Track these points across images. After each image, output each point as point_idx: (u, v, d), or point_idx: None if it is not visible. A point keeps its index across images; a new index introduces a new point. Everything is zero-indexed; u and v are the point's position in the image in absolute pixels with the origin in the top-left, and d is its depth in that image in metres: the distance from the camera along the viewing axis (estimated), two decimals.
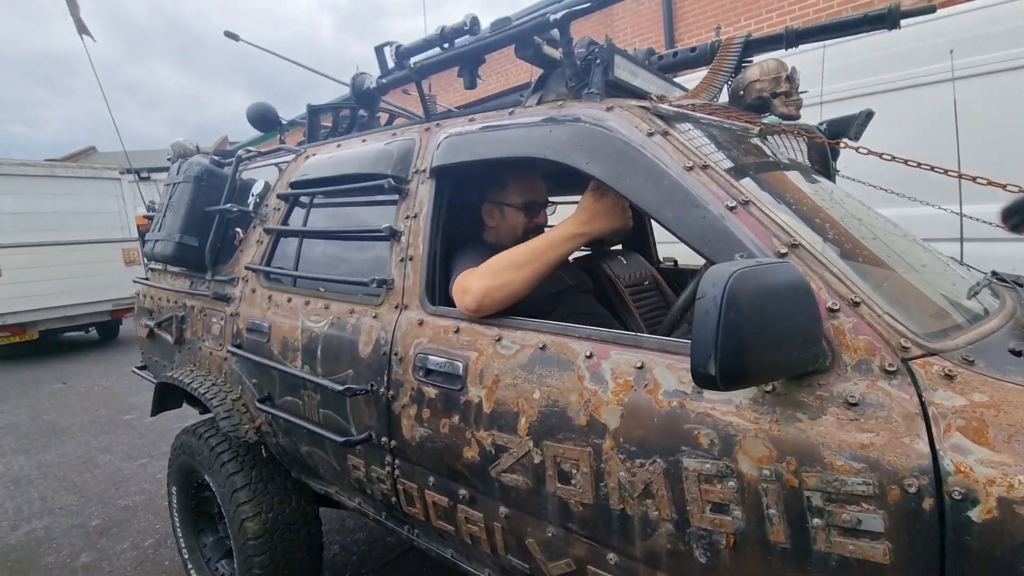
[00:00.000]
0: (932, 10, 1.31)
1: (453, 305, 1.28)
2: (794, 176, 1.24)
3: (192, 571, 2.10)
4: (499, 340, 1.12)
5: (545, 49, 1.25)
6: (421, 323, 1.28)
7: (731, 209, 0.88)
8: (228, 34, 2.55)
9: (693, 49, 1.57)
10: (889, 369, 0.72)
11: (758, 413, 0.78)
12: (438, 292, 1.32)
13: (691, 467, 0.82)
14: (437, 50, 1.42)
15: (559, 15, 1.12)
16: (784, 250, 0.83)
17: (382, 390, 1.31)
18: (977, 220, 1.65)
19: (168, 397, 2.24)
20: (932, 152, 1.90)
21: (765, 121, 1.08)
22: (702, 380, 0.65)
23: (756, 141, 1.28)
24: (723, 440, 0.79)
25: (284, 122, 2.43)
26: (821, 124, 1.63)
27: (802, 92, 1.64)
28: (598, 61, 1.16)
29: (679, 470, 0.83)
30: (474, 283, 1.16)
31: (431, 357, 1.21)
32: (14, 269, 7.82)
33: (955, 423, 0.66)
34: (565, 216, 2.12)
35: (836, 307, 0.77)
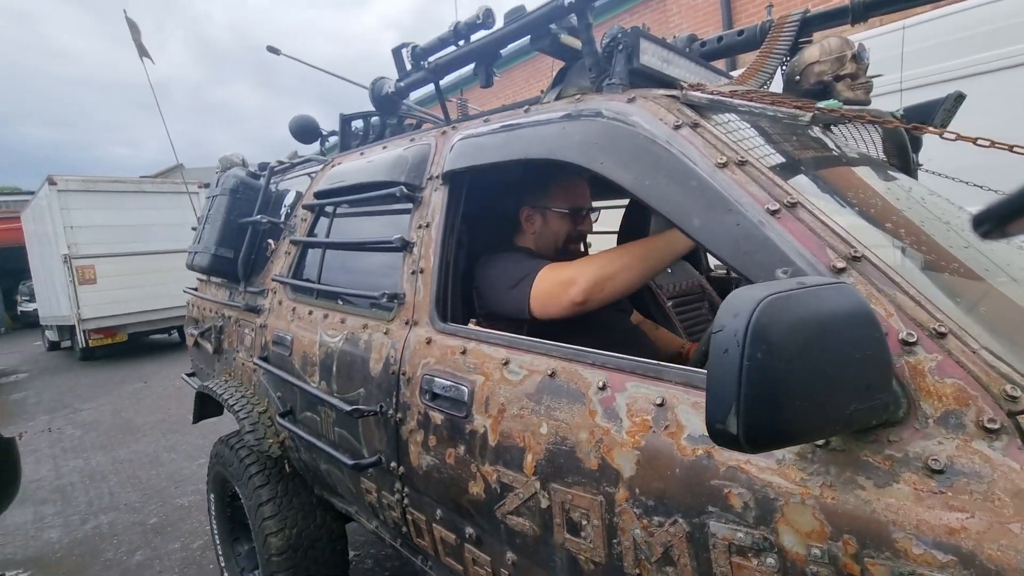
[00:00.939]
0: None
1: (464, 323, 1.18)
2: (862, 173, 1.04)
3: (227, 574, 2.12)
4: (506, 364, 1.00)
5: (563, 39, 1.13)
6: (429, 342, 1.18)
7: (773, 214, 0.72)
8: (270, 49, 2.60)
9: (740, 32, 1.39)
10: (990, 427, 0.53)
11: (807, 473, 0.61)
12: (449, 307, 1.22)
13: (720, 534, 0.66)
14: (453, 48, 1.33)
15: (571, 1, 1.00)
16: (842, 264, 0.65)
17: (391, 412, 1.23)
18: None
19: (207, 405, 2.28)
20: None
21: (820, 105, 0.90)
22: (720, 438, 0.50)
23: (816, 132, 1.09)
24: (760, 504, 0.63)
25: (324, 133, 2.44)
26: (898, 111, 1.39)
27: (875, 76, 1.41)
28: (621, 48, 1.02)
29: (705, 536, 0.68)
30: (582, 273, 1.10)
31: (437, 379, 1.11)
32: (108, 277, 8.58)
33: None
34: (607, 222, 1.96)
35: (913, 339, 0.59)
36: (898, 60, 3.10)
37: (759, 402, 0.47)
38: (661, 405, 0.76)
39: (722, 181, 0.77)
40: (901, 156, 1.48)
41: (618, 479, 0.78)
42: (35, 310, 12.10)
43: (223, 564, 2.16)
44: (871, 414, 0.53)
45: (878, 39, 3.16)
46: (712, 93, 0.92)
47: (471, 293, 1.34)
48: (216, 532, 2.19)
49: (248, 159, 2.57)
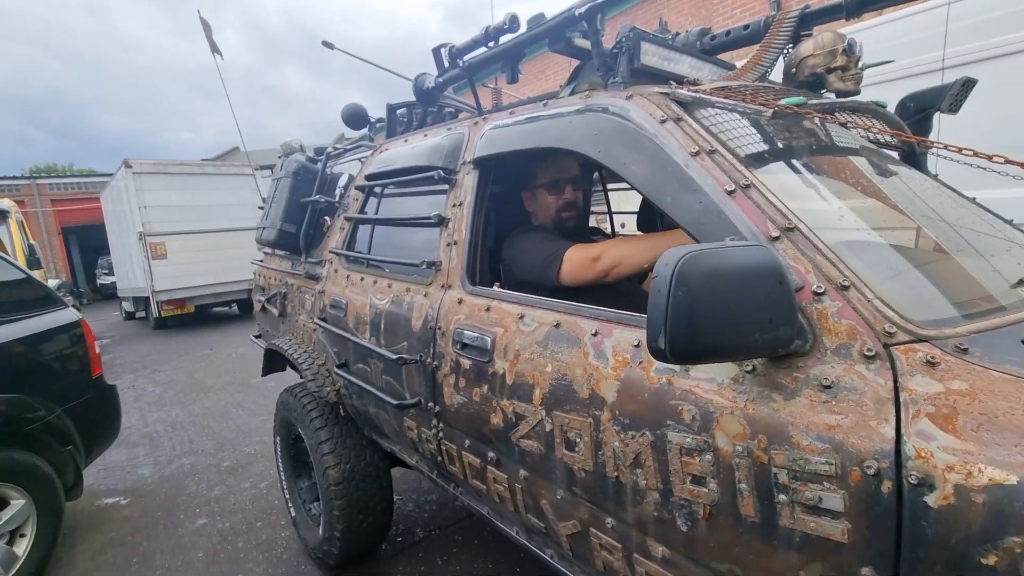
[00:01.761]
0: None
1: (489, 286, 1.40)
2: (836, 158, 1.18)
3: (292, 509, 2.48)
4: (522, 318, 1.22)
5: (577, 41, 1.31)
6: (460, 302, 1.41)
7: (730, 193, 0.89)
8: (325, 43, 2.86)
9: (746, 27, 1.51)
10: (868, 354, 0.70)
11: (736, 392, 0.80)
12: (477, 273, 1.44)
13: (674, 440, 0.86)
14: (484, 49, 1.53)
15: (584, 8, 1.17)
16: (777, 233, 0.83)
17: (429, 360, 1.47)
18: None
19: (274, 361, 2.62)
20: None
21: (784, 103, 1.04)
22: (655, 353, 0.70)
23: (809, 123, 1.23)
24: (703, 416, 0.83)
25: (372, 120, 2.69)
26: (882, 102, 1.49)
27: (881, 63, 1.52)
28: (624, 50, 1.19)
29: (664, 443, 0.88)
30: (605, 254, 1.34)
31: (466, 332, 1.34)
32: (177, 253, 9.34)
33: (925, 409, 0.64)
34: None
35: (822, 290, 0.76)
36: (941, 38, 3.04)
37: (680, 328, 0.67)
38: (637, 346, 0.96)
39: (693, 167, 0.95)
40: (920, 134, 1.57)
41: (603, 404, 0.99)
42: (113, 283, 13.27)
43: (287, 496, 2.52)
44: (774, 343, 0.71)
45: (925, 14, 3.11)
46: (697, 91, 1.08)
47: (494, 261, 1.56)
48: (281, 469, 2.55)
49: (303, 143, 2.86)
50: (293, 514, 2.47)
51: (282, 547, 2.51)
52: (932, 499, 0.60)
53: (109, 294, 15.35)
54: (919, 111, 1.70)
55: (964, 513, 0.58)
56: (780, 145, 1.10)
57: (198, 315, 10.23)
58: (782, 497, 0.73)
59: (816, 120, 1.29)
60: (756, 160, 0.99)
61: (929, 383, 0.66)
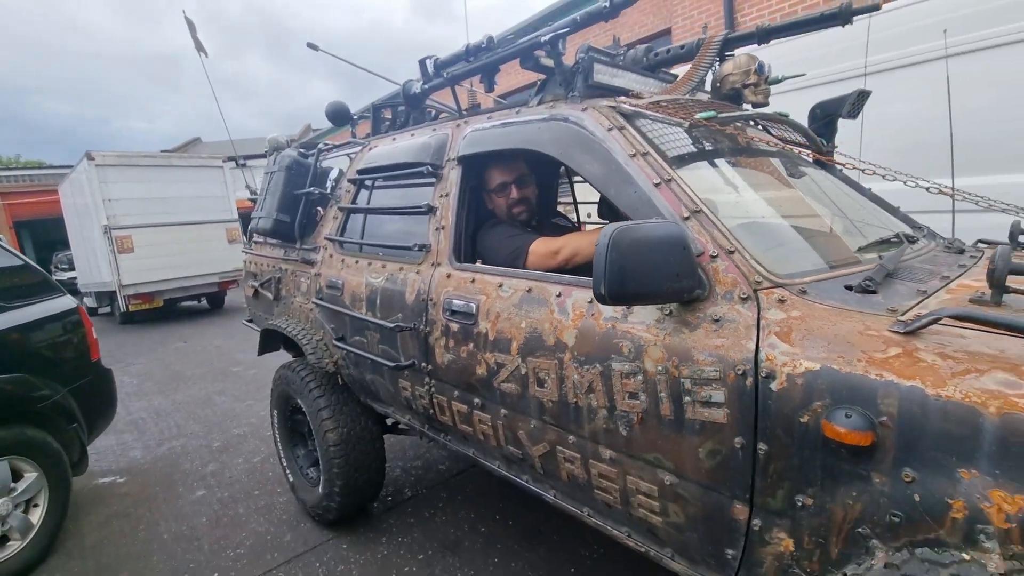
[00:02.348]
0: (877, 7, 1.49)
1: (472, 262, 1.68)
2: (748, 158, 1.50)
3: (289, 475, 2.72)
4: (501, 286, 1.51)
5: (543, 60, 1.59)
6: (448, 276, 1.69)
7: (656, 185, 1.20)
8: (310, 45, 3.05)
9: (682, 47, 1.82)
10: (743, 297, 1.02)
11: (659, 329, 1.11)
12: (462, 252, 1.72)
13: (616, 368, 1.17)
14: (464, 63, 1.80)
15: (547, 37, 1.46)
16: (687, 215, 1.14)
17: (421, 327, 1.75)
18: (968, 195, 1.79)
19: (269, 341, 2.83)
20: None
21: (697, 117, 1.35)
22: (598, 298, 1.00)
23: (731, 129, 1.55)
24: (636, 349, 1.14)
25: (355, 117, 2.91)
26: (784, 113, 1.84)
27: (794, 76, 1.86)
28: (580, 70, 1.49)
29: (609, 371, 1.19)
30: (564, 248, 1.63)
31: (454, 301, 1.63)
32: (144, 246, 9.20)
33: (773, 330, 0.96)
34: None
35: (715, 254, 1.08)
36: (863, 48, 3.45)
37: (614, 279, 0.96)
38: (590, 302, 1.26)
39: (631, 165, 1.25)
40: (828, 136, 1.93)
41: (565, 348, 1.29)
42: (72, 278, 12.85)
43: (284, 464, 2.75)
44: (681, 291, 1.02)
45: (845, 29, 3.51)
46: (636, 105, 1.39)
47: (475, 243, 1.85)
48: (278, 440, 2.78)
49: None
50: (291, 479, 2.71)
51: (281, 510, 2.75)
52: (774, 385, 0.92)
53: (69, 290, 14.84)
54: (825, 116, 2.05)
55: (791, 391, 0.90)
56: (698, 148, 1.41)
57: (166, 309, 10.12)
58: (687, 398, 1.05)
59: (737, 126, 1.62)
60: (678, 160, 1.30)
61: (778, 313, 0.98)
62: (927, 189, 1.41)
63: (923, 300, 0.96)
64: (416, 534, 2.46)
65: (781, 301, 0.99)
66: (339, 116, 2.82)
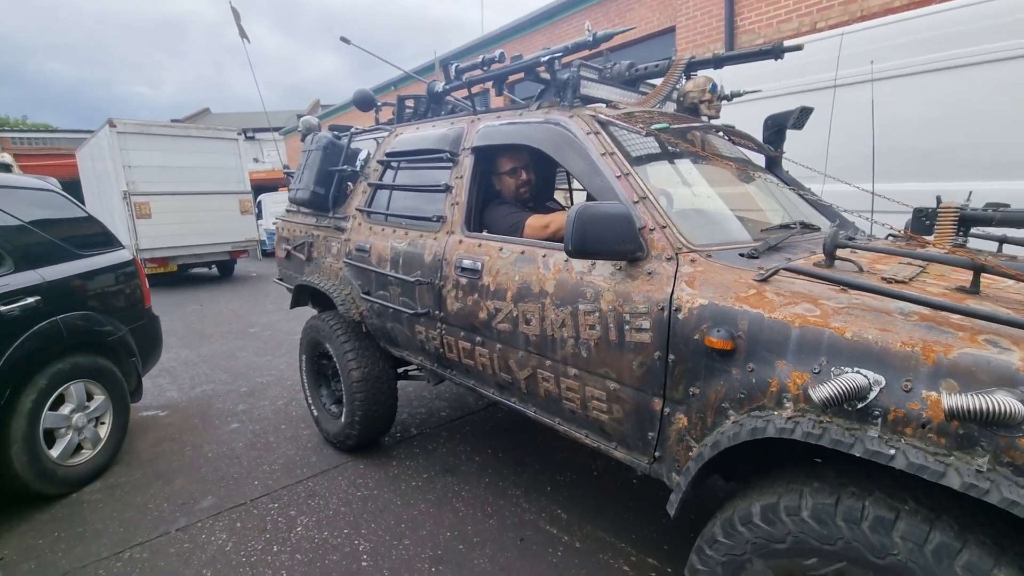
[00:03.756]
0: (800, 48, 1.91)
1: (480, 231, 2.14)
2: (679, 158, 1.95)
3: (314, 410, 3.20)
4: (501, 249, 1.96)
5: (542, 75, 2.02)
6: (460, 242, 2.14)
7: (618, 178, 1.65)
8: (343, 39, 3.45)
9: (656, 65, 2.25)
10: (668, 258, 1.48)
11: (612, 280, 1.57)
12: (472, 223, 2.17)
13: (581, 308, 1.63)
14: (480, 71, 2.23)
15: (545, 58, 1.89)
16: (636, 199, 1.59)
17: (436, 282, 2.21)
18: (887, 198, 2.23)
19: (301, 296, 3.29)
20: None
21: (652, 128, 1.79)
22: (567, 252, 1.45)
23: (690, 135, 1.98)
24: (596, 294, 1.60)
25: (378, 104, 3.33)
26: (724, 127, 2.27)
27: (752, 91, 2.30)
28: (570, 83, 1.92)
29: (576, 311, 1.64)
30: (552, 222, 2.06)
31: (464, 260, 2.08)
32: (161, 213, 9.62)
33: (684, 279, 1.42)
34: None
35: (653, 228, 1.53)
36: (835, 61, 3.85)
37: (577, 240, 1.41)
38: (566, 260, 1.71)
39: (601, 162, 1.70)
40: (776, 144, 2.37)
41: (547, 295, 1.74)
42: None
43: (310, 401, 3.23)
44: (627, 253, 1.47)
45: (820, 43, 3.91)
46: (609, 115, 1.83)
47: (483, 216, 2.30)
48: (306, 381, 3.25)
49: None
50: (315, 413, 3.19)
51: (306, 439, 3.24)
52: (680, 315, 1.38)
53: None
54: (775, 127, 2.49)
55: (689, 318, 1.36)
56: (653, 151, 1.86)
57: (179, 275, 10.58)
58: (626, 327, 1.51)
59: (696, 133, 2.06)
60: (636, 160, 1.75)
61: (689, 268, 1.43)
62: (874, 194, 1.85)
63: (787, 263, 1.42)
64: (421, 460, 2.96)
65: (692, 261, 1.45)
66: (365, 102, 3.24)
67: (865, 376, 1.04)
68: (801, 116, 2.42)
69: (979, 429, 0.92)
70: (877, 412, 1.03)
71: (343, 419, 2.91)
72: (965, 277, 1.26)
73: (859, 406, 1.05)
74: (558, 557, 2.13)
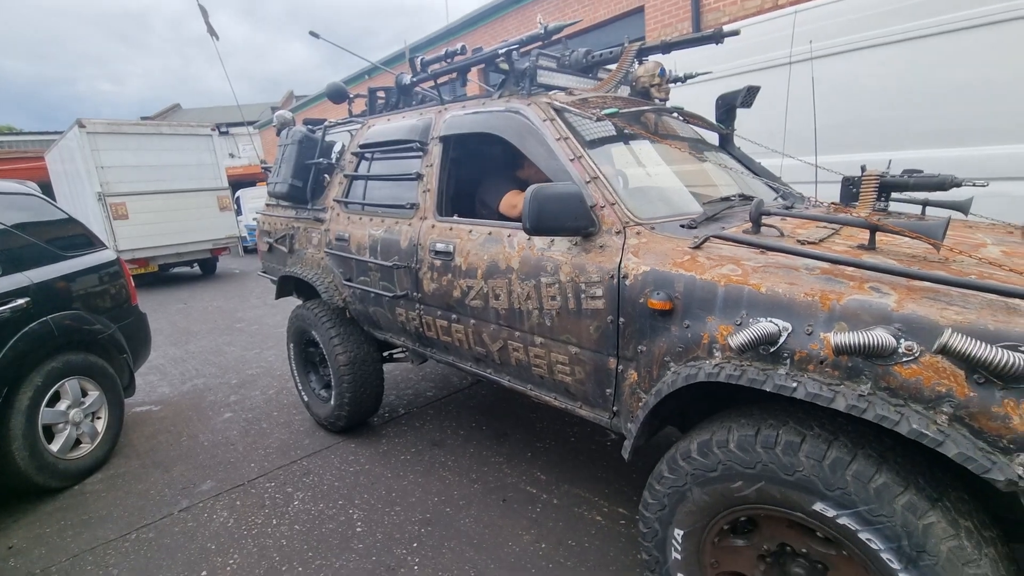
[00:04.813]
0: (737, 33, 2.06)
1: (452, 215, 2.28)
2: (635, 139, 2.11)
3: (304, 395, 3.34)
4: (470, 231, 2.11)
5: (502, 65, 2.15)
6: (433, 226, 2.28)
7: (571, 161, 1.80)
8: (312, 33, 3.52)
9: (611, 51, 2.38)
10: (616, 231, 1.64)
11: (569, 254, 1.73)
12: (443, 208, 2.31)
13: (543, 280, 1.79)
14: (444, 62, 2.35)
15: (503, 51, 2.02)
16: (588, 180, 1.74)
17: (413, 265, 2.34)
18: (828, 170, 2.41)
19: (285, 287, 3.40)
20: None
21: (602, 113, 1.93)
22: (525, 230, 1.60)
23: (643, 118, 2.13)
24: (555, 267, 1.75)
25: (351, 96, 3.41)
26: (676, 107, 2.42)
27: (704, 73, 2.45)
28: (527, 73, 2.05)
29: (539, 283, 1.80)
30: (519, 203, 2.17)
31: (437, 243, 2.22)
32: (139, 213, 9.54)
33: (631, 250, 1.58)
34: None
35: (603, 205, 1.69)
36: (789, 39, 4.01)
37: (533, 218, 1.56)
38: (529, 239, 1.87)
39: (556, 146, 1.84)
40: (726, 122, 2.53)
41: (513, 271, 1.90)
42: None
43: (300, 387, 3.37)
44: (580, 229, 1.63)
45: (775, 21, 4.07)
46: (564, 102, 1.97)
47: (453, 201, 2.44)
48: (295, 368, 3.38)
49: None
50: (306, 399, 3.33)
51: (298, 424, 3.39)
52: (628, 282, 1.55)
53: None
54: (726, 106, 2.65)
55: (635, 284, 1.53)
56: (605, 135, 2.01)
57: (160, 275, 10.54)
58: (583, 295, 1.67)
59: (651, 115, 2.21)
60: (591, 143, 1.90)
61: (635, 240, 1.60)
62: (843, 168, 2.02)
63: (719, 231, 1.59)
64: (409, 436, 3.12)
65: (638, 233, 1.61)
66: (338, 95, 3.32)
67: (775, 323, 1.22)
68: (748, 95, 2.58)
69: (863, 361, 1.10)
70: (786, 354, 1.21)
71: (332, 402, 3.06)
72: (868, 236, 1.43)
73: (772, 350, 1.23)
74: (537, 513, 2.32)
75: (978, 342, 0.95)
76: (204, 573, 2.10)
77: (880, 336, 1.05)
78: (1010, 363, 0.92)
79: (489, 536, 2.19)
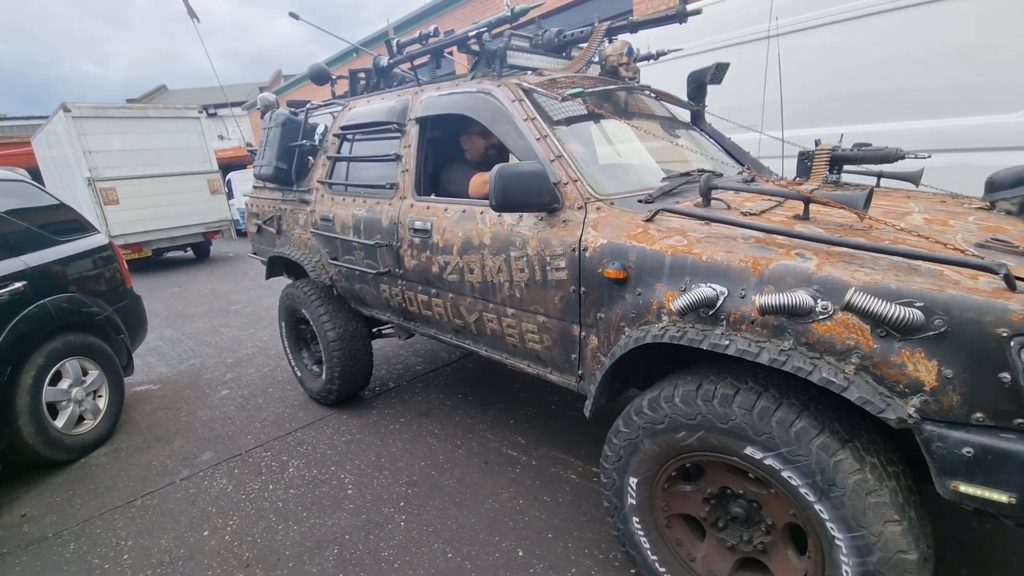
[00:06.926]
0: (699, 12, 2.13)
1: (430, 195, 2.37)
2: (598, 119, 2.19)
3: (296, 371, 3.47)
4: (446, 210, 2.21)
5: (473, 47, 2.22)
6: (412, 206, 2.38)
7: (537, 140, 1.89)
8: (291, 14, 3.54)
9: (582, 31, 2.45)
10: (579, 207, 1.74)
11: (535, 229, 1.83)
12: (421, 188, 2.41)
13: (512, 255, 1.90)
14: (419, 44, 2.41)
15: (473, 33, 2.09)
16: (553, 158, 1.84)
17: (394, 243, 2.45)
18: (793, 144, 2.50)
19: (274, 267, 3.51)
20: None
21: (567, 93, 2.01)
22: (492, 207, 1.70)
23: (613, 96, 2.21)
24: (523, 242, 1.86)
25: (333, 78, 3.46)
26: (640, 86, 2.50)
27: (676, 49, 2.51)
28: (498, 55, 2.13)
29: (509, 257, 1.91)
30: (489, 182, 2.25)
31: (416, 222, 2.32)
32: (129, 198, 9.53)
33: (590, 224, 1.69)
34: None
35: (566, 182, 1.79)
36: (767, 13, 4.04)
37: (499, 195, 1.66)
38: (499, 216, 1.97)
39: (524, 126, 1.93)
40: (697, 98, 2.61)
41: (485, 246, 2.01)
42: None
43: (292, 363, 3.50)
44: (544, 205, 1.73)
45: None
46: (532, 83, 2.05)
47: (431, 181, 2.53)
48: (287, 345, 3.51)
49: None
50: (298, 374, 3.47)
51: (292, 399, 3.53)
52: (588, 254, 1.66)
53: None
54: (696, 82, 2.72)
55: (593, 256, 1.64)
56: (570, 115, 2.09)
57: (154, 260, 10.59)
58: (548, 267, 1.78)
59: (622, 93, 2.29)
60: (555, 123, 1.98)
61: (595, 215, 1.70)
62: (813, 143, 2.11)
63: (671, 205, 1.69)
64: (398, 407, 3.27)
65: (598, 208, 1.72)
66: (320, 77, 3.37)
67: (713, 288, 1.34)
68: (718, 71, 2.65)
69: (787, 320, 1.23)
70: (723, 316, 1.34)
71: (324, 376, 3.19)
72: (803, 208, 1.55)
73: (711, 312, 1.35)
74: (516, 473, 2.48)
75: (878, 299, 1.07)
76: (206, 533, 2.26)
77: (799, 297, 1.17)
78: (905, 317, 1.05)
79: (471, 495, 2.35)
